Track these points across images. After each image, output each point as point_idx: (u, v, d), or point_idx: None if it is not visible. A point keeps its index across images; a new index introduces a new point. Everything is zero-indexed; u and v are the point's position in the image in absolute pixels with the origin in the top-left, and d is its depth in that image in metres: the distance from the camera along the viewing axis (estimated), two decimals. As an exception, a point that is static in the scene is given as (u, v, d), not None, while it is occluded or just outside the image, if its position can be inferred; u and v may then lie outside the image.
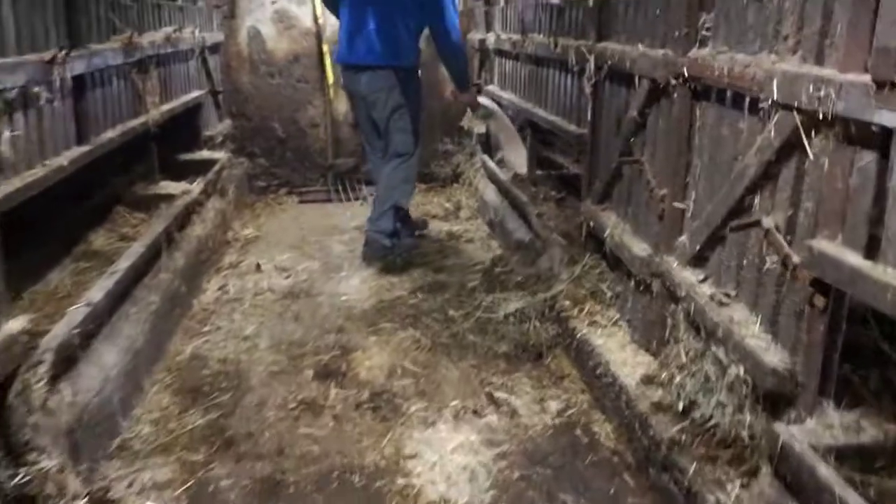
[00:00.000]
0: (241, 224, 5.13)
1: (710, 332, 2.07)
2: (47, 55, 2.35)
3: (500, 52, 4.99)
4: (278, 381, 3.03)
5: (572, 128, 3.44)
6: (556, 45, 3.50)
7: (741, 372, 1.88)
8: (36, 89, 2.30)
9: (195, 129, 4.96)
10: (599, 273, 3.20)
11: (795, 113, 1.66)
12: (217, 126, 5.37)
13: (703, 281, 2.24)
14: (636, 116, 2.63)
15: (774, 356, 1.78)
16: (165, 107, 3.95)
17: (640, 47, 2.59)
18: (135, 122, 3.48)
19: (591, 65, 3.04)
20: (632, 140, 2.74)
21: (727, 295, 2.07)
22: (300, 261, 4.43)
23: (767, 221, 1.81)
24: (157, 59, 3.82)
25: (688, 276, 2.30)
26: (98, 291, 2.64)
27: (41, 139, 2.44)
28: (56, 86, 2.45)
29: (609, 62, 2.86)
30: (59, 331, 2.27)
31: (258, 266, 4.29)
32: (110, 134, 3.14)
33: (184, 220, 3.88)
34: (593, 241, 3.25)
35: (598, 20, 3.07)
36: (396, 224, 4.23)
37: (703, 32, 2.27)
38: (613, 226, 2.85)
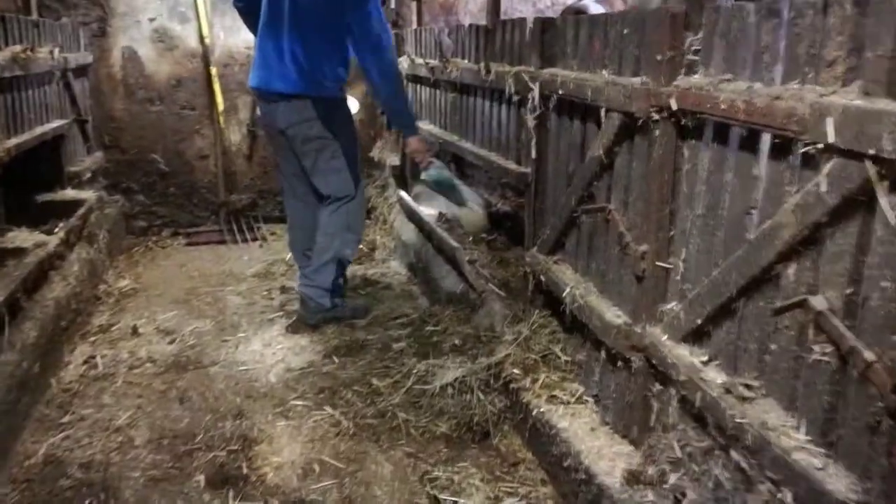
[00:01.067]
0: (116, 274, 4.36)
1: (730, 433, 1.62)
2: None
3: (416, 79, 4.51)
4: (160, 493, 2.37)
5: (511, 165, 2.98)
6: (487, 71, 3.05)
7: (789, 499, 1.43)
8: None
9: (57, 164, 4.17)
10: (551, 333, 2.73)
11: (868, 162, 1.24)
12: (85, 160, 4.58)
13: (708, 363, 1.80)
14: (601, 156, 2.19)
15: (838, 481, 1.35)
16: (13, 141, 3.20)
17: (605, 74, 2.16)
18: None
19: (536, 94, 2.59)
20: (594, 184, 2.30)
21: (748, 386, 1.63)
22: (188, 320, 3.73)
23: (818, 302, 1.39)
24: (-1, 83, 3.08)
25: (684, 355, 1.86)
26: None
27: None
28: None
29: (560, 91, 2.42)
30: None
31: (135, 329, 3.57)
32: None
33: (37, 279, 3.13)
34: (541, 295, 2.79)
35: (540, 43, 2.64)
36: (339, 280, 3.57)
37: (690, 56, 1.86)
38: (574, 283, 2.39)
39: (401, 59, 4.66)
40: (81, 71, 4.64)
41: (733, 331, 1.72)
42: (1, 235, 3.25)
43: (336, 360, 3.26)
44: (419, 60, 4.25)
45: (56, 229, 3.60)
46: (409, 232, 4.51)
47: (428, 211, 4.27)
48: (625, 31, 2.09)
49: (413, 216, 4.38)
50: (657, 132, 1.92)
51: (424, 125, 4.37)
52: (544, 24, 2.63)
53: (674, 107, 1.83)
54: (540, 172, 2.71)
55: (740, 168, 1.68)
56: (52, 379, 3.01)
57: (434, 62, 3.93)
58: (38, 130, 3.64)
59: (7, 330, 2.66)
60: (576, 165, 2.44)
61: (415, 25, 4.81)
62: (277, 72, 3.24)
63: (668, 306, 1.97)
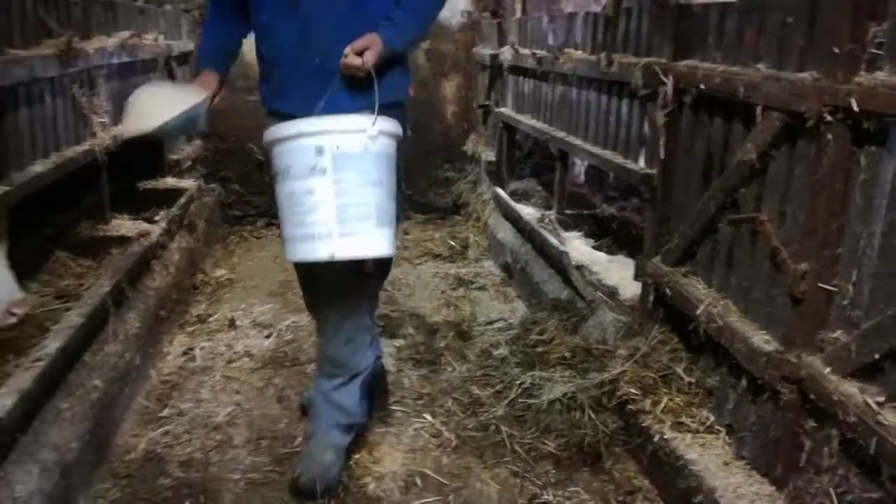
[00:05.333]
0: (213, 263, 4.36)
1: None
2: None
3: (518, 70, 4.31)
4: (260, 498, 2.29)
5: (632, 165, 2.76)
6: (609, 63, 2.83)
7: None
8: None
9: (158, 152, 4.19)
10: (672, 351, 2.51)
11: None
12: (185, 149, 4.61)
13: (884, 405, 1.55)
14: (752, 160, 1.95)
15: None
16: (119, 129, 3.19)
17: (762, 68, 1.93)
18: (76, 150, 2.72)
19: (669, 89, 2.36)
20: (740, 190, 2.06)
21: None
22: (283, 314, 3.67)
23: None
24: (108, 71, 3.07)
25: (853, 393, 1.62)
26: (10, 394, 1.88)
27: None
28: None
29: (701, 86, 2.19)
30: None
31: (232, 322, 3.54)
32: (39, 168, 2.39)
33: (140, 269, 3.12)
34: (662, 309, 2.57)
35: (675, 33, 2.41)
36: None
37: (872, 50, 1.61)
38: (708, 300, 2.17)
39: (503, 49, 4.48)
40: (183, 58, 4.66)
41: (926, 372, 1.48)
42: (106, 223, 3.25)
43: (433, 364, 3.13)
44: (524, 51, 4.05)
45: (157, 217, 3.60)
46: (504, 231, 4.33)
47: (527, 210, 4.09)
48: (788, 20, 1.85)
49: (510, 215, 4.20)
50: (829, 136, 1.68)
51: (527, 119, 4.18)
52: (681, 12, 2.40)
53: (854, 107, 1.59)
54: (668, 174, 2.48)
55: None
56: (151, 370, 2.99)
57: (542, 53, 3.72)
58: (144, 118, 3.63)
59: (111, 320, 2.62)
60: (716, 168, 2.20)
61: (518, 14, 4.61)
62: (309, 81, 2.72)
63: (832, 335, 1.73)
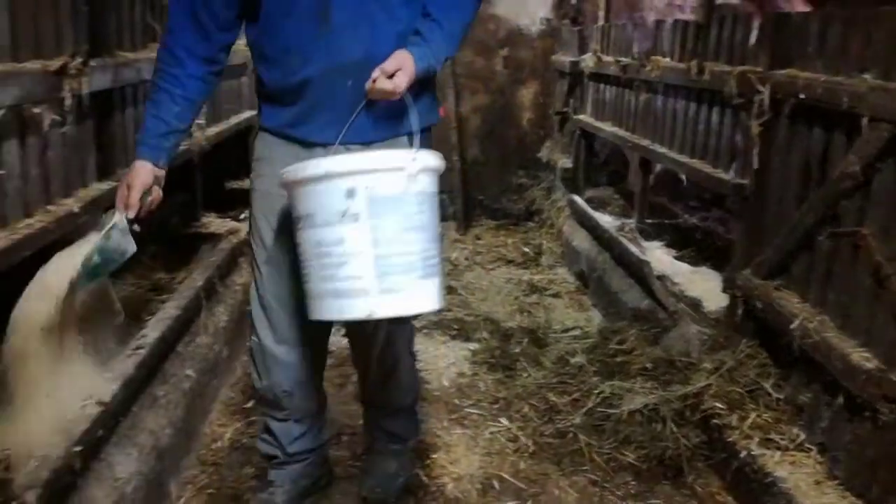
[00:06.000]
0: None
1: None
2: (55, 64, 1.71)
3: (600, 77, 4.28)
4: (340, 493, 2.33)
5: (722, 175, 2.70)
6: (700, 71, 2.78)
7: None
8: (37, 110, 1.65)
9: (244, 153, 4.33)
10: (760, 366, 2.45)
11: None
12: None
13: None
14: (856, 172, 1.89)
15: None
16: (213, 130, 3.32)
17: (868, 79, 1.87)
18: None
19: (766, 98, 2.31)
20: (841, 203, 2.00)
21: None
22: (360, 314, 3.73)
23: None
24: (205, 74, 3.19)
25: (964, 416, 1.55)
26: (115, 380, 1.97)
27: (45, 176, 1.80)
28: (68, 105, 1.80)
29: (801, 95, 2.13)
30: (54, 452, 1.60)
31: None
32: (143, 165, 2.50)
33: (229, 265, 3.23)
34: (751, 322, 2.50)
35: (772, 41, 2.36)
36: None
37: None
38: (804, 315, 2.10)
39: (585, 56, 4.46)
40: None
41: None
42: (197, 220, 3.39)
43: (509, 369, 3.13)
44: (607, 58, 4.03)
45: (242, 216, 3.72)
46: (580, 238, 4.30)
47: (605, 218, 4.05)
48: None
49: (587, 222, 4.17)
50: (943, 148, 1.62)
51: (607, 127, 4.15)
52: (778, 20, 2.35)
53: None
54: (761, 185, 2.43)
55: None
56: (237, 363, 3.09)
57: (627, 60, 3.69)
58: (234, 120, 3.77)
59: (203, 313, 2.73)
60: (814, 180, 2.14)
61: (601, 21, 4.58)
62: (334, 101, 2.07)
63: (942, 355, 1.66)
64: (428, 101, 1.95)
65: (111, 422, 1.92)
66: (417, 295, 1.65)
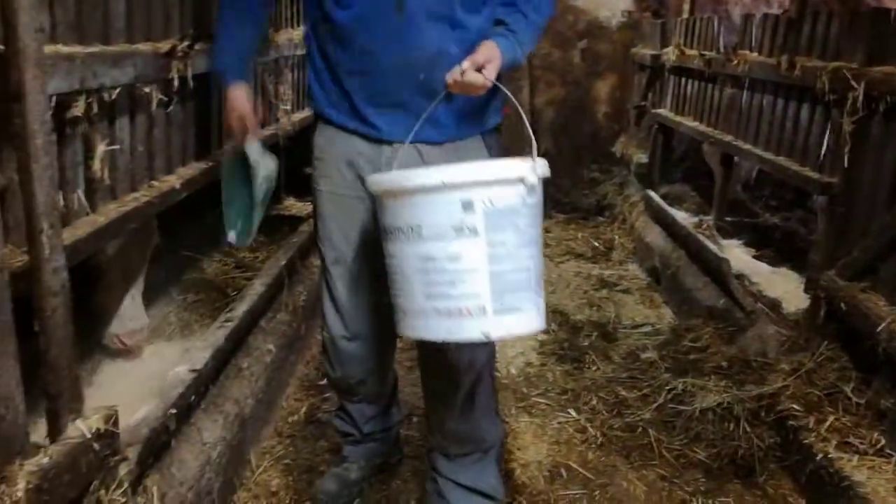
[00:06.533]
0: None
1: None
2: (165, 46, 1.81)
3: (682, 71, 4.21)
4: (410, 469, 2.40)
5: (809, 173, 2.64)
6: (790, 67, 2.71)
7: None
8: (147, 89, 1.76)
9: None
10: (840, 369, 2.40)
11: None
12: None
13: None
14: (955, 172, 1.83)
15: None
16: (298, 116, 3.43)
17: (974, 74, 1.80)
18: (263, 133, 2.95)
19: (860, 95, 2.25)
20: (937, 204, 1.94)
21: None
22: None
23: None
24: (292, 62, 3.30)
25: None
26: (206, 349, 2.08)
27: (150, 153, 1.91)
28: (174, 86, 1.91)
29: (898, 92, 2.07)
30: (152, 412, 1.71)
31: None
32: (234, 144, 2.62)
33: (309, 246, 3.33)
34: (833, 324, 2.44)
35: (868, 37, 2.29)
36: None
37: None
38: (893, 319, 2.05)
39: (667, 49, 4.39)
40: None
41: None
42: (279, 202, 3.51)
43: (577, 361, 3.14)
44: (691, 52, 3.96)
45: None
46: (654, 234, 4.26)
47: (681, 214, 3.99)
48: None
49: (662, 218, 4.12)
50: None
51: (688, 121, 4.08)
52: (875, 16, 2.28)
53: None
54: (851, 184, 2.36)
55: None
56: (311, 341, 3.20)
57: (711, 54, 3.62)
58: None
59: (285, 291, 2.83)
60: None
61: (685, 15, 4.50)
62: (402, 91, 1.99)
63: None
64: (499, 99, 1.84)
65: (202, 388, 2.03)
66: (530, 314, 1.55)
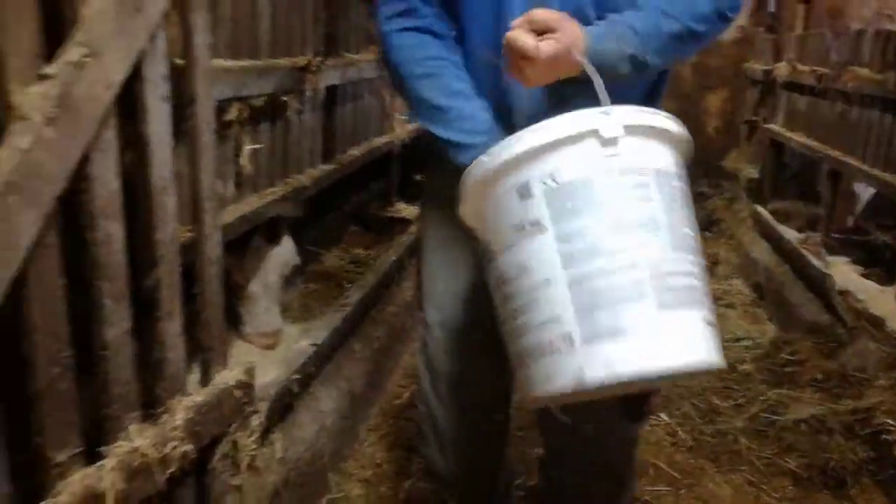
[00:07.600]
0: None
1: None
2: (301, 61, 2.08)
3: (794, 87, 4.18)
4: (517, 454, 2.55)
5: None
6: (900, 82, 2.70)
7: None
8: (285, 98, 2.04)
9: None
10: (940, 389, 2.36)
11: None
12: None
13: None
14: None
15: None
16: (412, 126, 3.69)
17: None
18: (380, 141, 3.23)
19: (970, 110, 2.23)
20: None
21: None
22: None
23: None
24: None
25: None
26: (324, 329, 2.34)
27: (285, 154, 2.19)
28: (307, 96, 2.18)
29: None
30: (279, 376, 1.97)
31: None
32: (355, 152, 2.89)
33: (417, 247, 3.58)
34: (936, 343, 2.41)
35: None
36: None
37: None
38: None
39: (779, 64, 4.36)
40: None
41: None
42: (391, 205, 3.78)
43: (673, 368, 3.19)
44: (803, 67, 3.93)
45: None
46: (760, 250, 4.22)
47: (790, 231, 3.96)
48: None
49: (770, 234, 4.09)
50: None
51: (798, 137, 4.04)
52: None
53: None
54: (958, 201, 2.34)
55: None
56: (414, 333, 3.43)
57: (823, 70, 3.60)
58: (430, 117, 4.13)
59: (393, 286, 3.08)
60: None
61: (798, 30, 4.46)
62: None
63: None
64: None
65: (320, 362, 2.28)
66: (661, 339, 1.02)
